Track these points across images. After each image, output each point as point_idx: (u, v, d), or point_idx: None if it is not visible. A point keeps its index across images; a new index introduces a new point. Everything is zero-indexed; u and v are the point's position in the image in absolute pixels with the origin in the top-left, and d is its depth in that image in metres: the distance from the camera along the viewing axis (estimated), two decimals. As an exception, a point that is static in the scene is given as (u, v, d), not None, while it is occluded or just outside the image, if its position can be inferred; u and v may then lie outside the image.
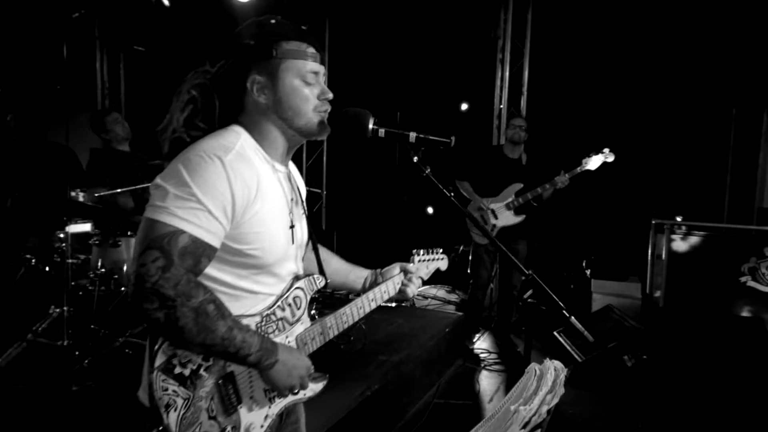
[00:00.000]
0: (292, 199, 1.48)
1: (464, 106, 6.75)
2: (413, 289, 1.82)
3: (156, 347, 1.23)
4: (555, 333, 4.64)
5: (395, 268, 1.82)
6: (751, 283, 4.76)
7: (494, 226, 4.67)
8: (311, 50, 1.39)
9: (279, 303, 1.44)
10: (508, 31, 5.86)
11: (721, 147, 6.05)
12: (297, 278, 1.51)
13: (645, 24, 5.56)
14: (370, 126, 1.44)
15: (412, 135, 1.46)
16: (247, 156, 1.31)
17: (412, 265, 1.85)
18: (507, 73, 5.89)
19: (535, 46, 5.85)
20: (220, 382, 1.32)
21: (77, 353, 3.37)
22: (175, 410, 1.23)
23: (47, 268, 4.49)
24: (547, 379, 1.15)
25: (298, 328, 1.50)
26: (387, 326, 4.30)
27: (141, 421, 1.34)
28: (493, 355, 4.75)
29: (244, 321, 1.32)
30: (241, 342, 1.25)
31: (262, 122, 1.39)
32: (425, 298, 6.22)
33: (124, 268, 3.57)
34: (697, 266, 4.96)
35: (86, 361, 3.28)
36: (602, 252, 6.00)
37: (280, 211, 1.41)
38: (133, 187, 3.84)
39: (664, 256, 5.10)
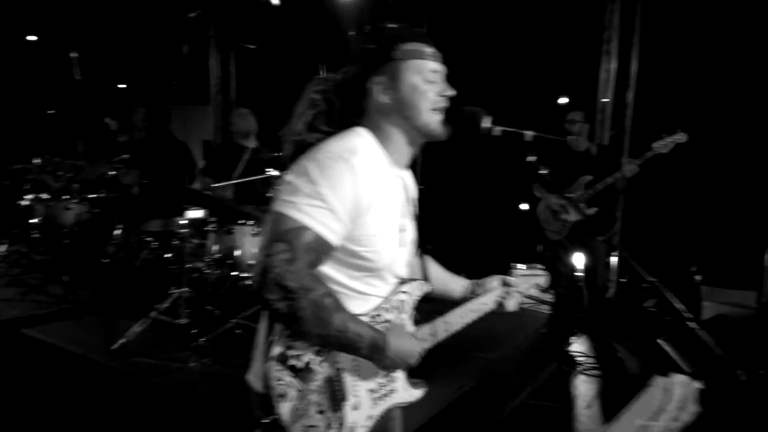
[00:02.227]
0: (404, 204, 1.52)
1: (562, 100, 6.51)
2: (513, 304, 1.80)
3: (272, 337, 1.29)
4: (660, 341, 4.42)
5: (494, 281, 1.81)
6: None
7: (566, 221, 4.50)
8: (430, 50, 1.42)
9: (385, 305, 1.47)
10: (615, 21, 5.58)
11: None
12: (402, 282, 1.53)
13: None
14: (485, 124, 1.45)
15: (528, 134, 1.46)
16: (371, 159, 1.36)
17: (512, 279, 1.83)
18: (613, 66, 5.61)
19: (645, 37, 5.53)
20: (329, 377, 1.35)
21: (193, 332, 3.66)
22: (288, 401, 1.28)
23: (167, 254, 4.91)
24: (674, 395, 1.12)
25: None
26: (481, 323, 4.23)
27: (250, 404, 1.42)
28: (590, 360, 4.59)
29: None
30: (355, 335, 1.28)
31: (385, 124, 1.43)
32: (518, 296, 6.10)
33: (237, 253, 3.80)
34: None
35: (202, 340, 3.55)
36: (714, 257, 5.60)
37: (394, 216, 1.44)
38: (240, 180, 4.08)
39: (785, 262, 4.68)
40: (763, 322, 4.72)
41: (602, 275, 4.79)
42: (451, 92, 1.45)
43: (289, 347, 1.30)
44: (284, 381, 1.28)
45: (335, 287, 1.36)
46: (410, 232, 1.57)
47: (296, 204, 1.23)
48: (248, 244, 3.77)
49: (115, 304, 4.46)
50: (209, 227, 3.90)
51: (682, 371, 3.97)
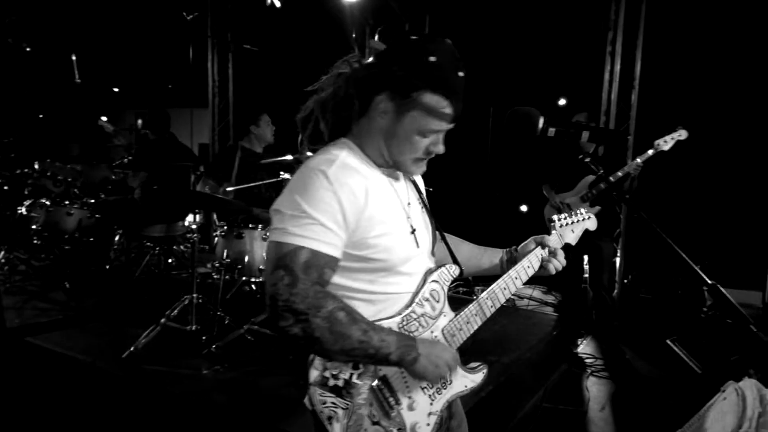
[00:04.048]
0: (409, 204, 1.49)
1: (562, 102, 6.52)
2: (557, 264, 1.68)
3: (309, 362, 1.31)
4: (668, 341, 4.42)
5: (531, 243, 1.71)
6: None
7: None
8: (448, 111, 1.36)
9: (416, 300, 1.45)
10: (619, 22, 5.59)
11: None
12: (430, 272, 1.50)
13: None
14: (540, 125, 1.45)
15: (585, 134, 1.46)
16: (351, 165, 1.36)
17: (552, 237, 1.71)
18: (618, 67, 5.62)
19: (649, 38, 5.55)
20: (374, 386, 1.35)
21: (204, 338, 3.59)
22: (338, 421, 1.29)
23: (169, 260, 4.83)
24: (748, 399, 1.09)
25: (442, 322, 1.49)
26: (492, 326, 4.25)
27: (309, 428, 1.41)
28: (599, 361, 4.58)
29: (385, 323, 1.35)
30: (379, 342, 1.27)
31: (371, 136, 1.41)
32: (521, 298, 6.10)
33: (246, 259, 3.74)
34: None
35: (214, 347, 3.48)
36: (717, 256, 5.62)
37: (395, 213, 1.43)
38: (253, 184, 4.01)
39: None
40: (768, 322, 4.75)
41: (608, 276, 4.77)
42: (441, 151, 1.43)
43: (325, 368, 1.31)
44: (328, 403, 1.29)
45: (357, 295, 1.37)
46: (426, 226, 1.55)
47: (284, 229, 1.26)
48: (258, 249, 3.71)
49: (118, 311, 4.39)
50: (218, 232, 3.83)
51: (692, 371, 3.97)
